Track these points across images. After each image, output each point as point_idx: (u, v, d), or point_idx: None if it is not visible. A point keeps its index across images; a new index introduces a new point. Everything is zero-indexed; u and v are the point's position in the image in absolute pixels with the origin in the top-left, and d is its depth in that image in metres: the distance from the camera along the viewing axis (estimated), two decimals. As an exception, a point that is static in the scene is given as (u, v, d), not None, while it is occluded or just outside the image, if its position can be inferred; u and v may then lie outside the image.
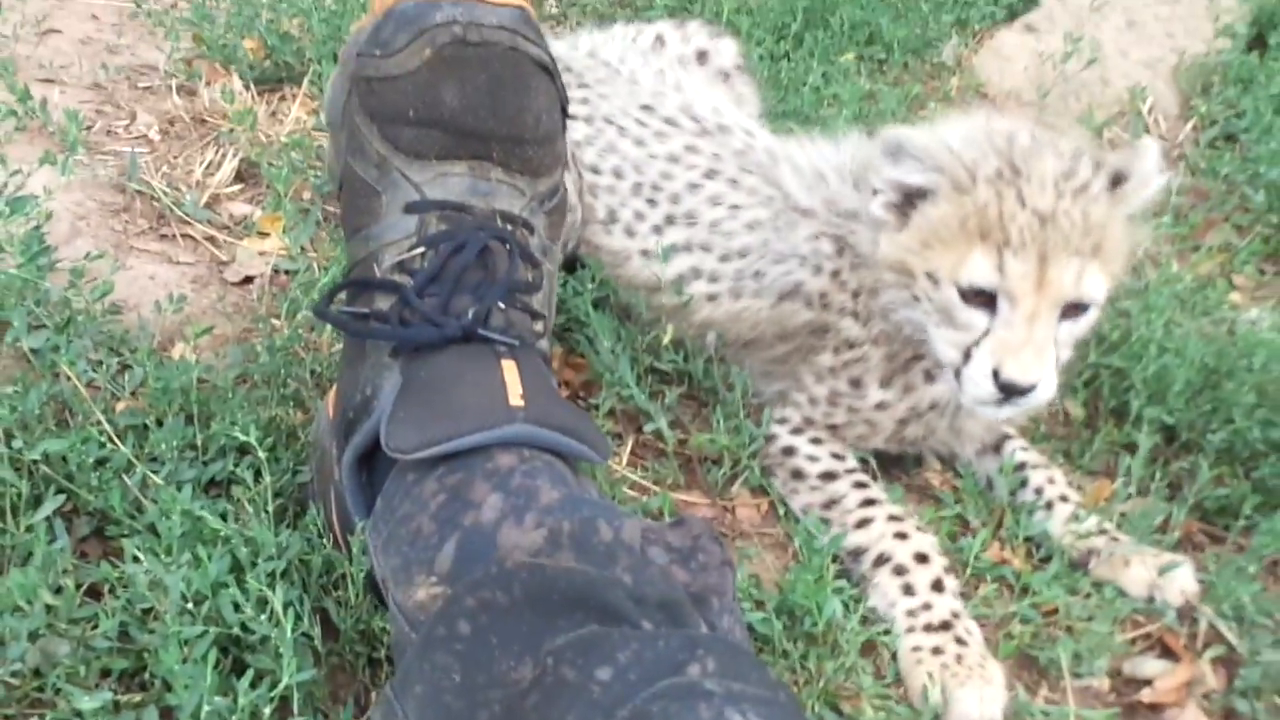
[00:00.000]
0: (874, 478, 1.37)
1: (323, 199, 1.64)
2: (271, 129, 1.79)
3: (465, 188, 1.05)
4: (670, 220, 1.49)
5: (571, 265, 1.51)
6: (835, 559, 1.25)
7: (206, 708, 0.88)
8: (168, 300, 1.31)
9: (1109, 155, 1.25)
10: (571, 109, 1.59)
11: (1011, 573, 1.32)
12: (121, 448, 1.11)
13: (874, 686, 1.15)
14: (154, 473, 1.10)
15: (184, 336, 1.32)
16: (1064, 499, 1.38)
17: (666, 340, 1.45)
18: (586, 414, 1.08)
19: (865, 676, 1.15)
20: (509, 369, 0.97)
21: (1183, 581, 1.31)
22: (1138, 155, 1.24)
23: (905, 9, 2.33)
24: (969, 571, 1.31)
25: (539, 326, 1.06)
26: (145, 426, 1.15)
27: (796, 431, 1.40)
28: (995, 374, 1.19)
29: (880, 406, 1.37)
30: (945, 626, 1.20)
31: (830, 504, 1.33)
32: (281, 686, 0.90)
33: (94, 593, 1.02)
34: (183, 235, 1.56)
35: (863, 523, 1.30)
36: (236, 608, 0.95)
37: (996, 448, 1.46)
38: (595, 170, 1.54)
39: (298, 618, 0.94)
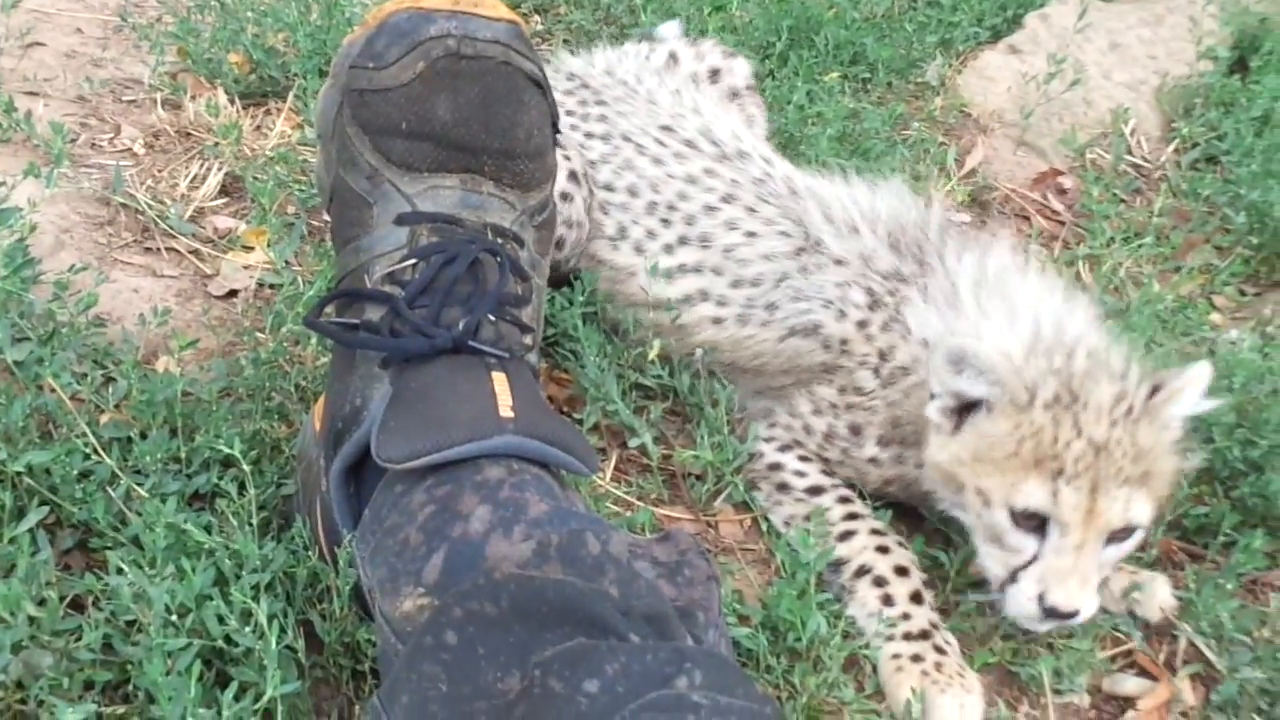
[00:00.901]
0: (861, 496, 1.38)
1: (307, 213, 1.64)
2: (256, 143, 1.79)
3: (456, 200, 1.06)
4: (683, 241, 1.50)
5: (560, 282, 1.51)
6: (818, 576, 1.25)
7: (190, 720, 0.88)
8: (152, 313, 1.31)
9: (1159, 374, 1.24)
10: (589, 126, 1.61)
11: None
12: (106, 460, 1.10)
13: (856, 701, 1.16)
14: (138, 485, 1.10)
15: (168, 349, 1.32)
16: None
17: (652, 356, 1.45)
18: (575, 426, 1.09)
19: (848, 691, 1.16)
20: (499, 380, 0.97)
21: (1161, 597, 1.32)
22: (1188, 377, 1.23)
23: (890, 29, 2.35)
24: (949, 587, 1.31)
25: (528, 340, 1.06)
26: (129, 439, 1.15)
27: (785, 449, 1.41)
28: (1040, 597, 1.19)
29: (873, 461, 1.38)
30: (924, 635, 1.22)
31: (813, 517, 1.33)
32: (265, 699, 0.90)
33: (78, 605, 1.02)
34: (167, 249, 1.56)
35: (845, 535, 1.31)
36: (220, 620, 0.95)
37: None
38: (609, 187, 1.55)
39: (282, 630, 0.94)
